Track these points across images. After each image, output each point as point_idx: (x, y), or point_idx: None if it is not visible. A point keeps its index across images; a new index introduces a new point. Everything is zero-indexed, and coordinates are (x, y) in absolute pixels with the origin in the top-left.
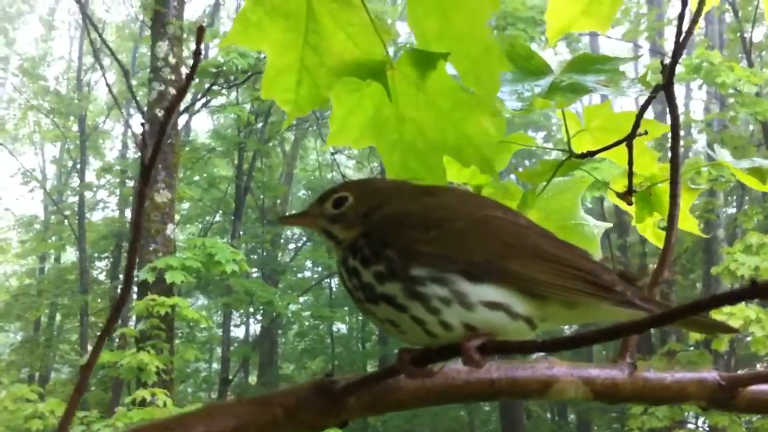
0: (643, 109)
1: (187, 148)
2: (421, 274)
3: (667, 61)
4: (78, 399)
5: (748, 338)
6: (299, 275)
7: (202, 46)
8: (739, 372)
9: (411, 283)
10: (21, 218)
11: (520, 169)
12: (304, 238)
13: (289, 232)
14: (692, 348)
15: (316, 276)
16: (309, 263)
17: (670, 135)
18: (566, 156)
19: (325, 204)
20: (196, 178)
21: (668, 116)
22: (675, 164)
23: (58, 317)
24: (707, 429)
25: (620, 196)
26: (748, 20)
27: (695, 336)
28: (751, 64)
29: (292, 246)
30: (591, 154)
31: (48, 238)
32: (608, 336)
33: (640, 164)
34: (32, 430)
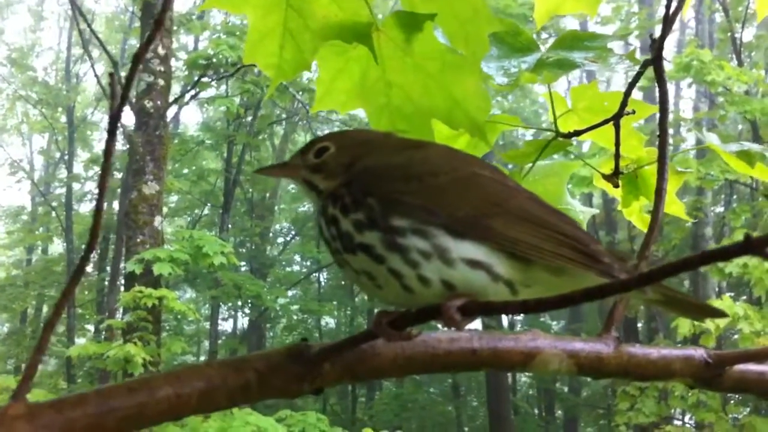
0: (632, 85)
1: (176, 141)
2: (402, 224)
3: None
4: (38, 359)
5: (735, 336)
6: (288, 269)
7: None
8: (726, 350)
9: (391, 233)
10: (8, 209)
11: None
12: (293, 232)
13: (277, 226)
14: (680, 344)
15: (304, 270)
16: (297, 257)
17: (658, 115)
18: (552, 136)
19: (307, 154)
20: (185, 170)
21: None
22: (663, 139)
23: (45, 309)
24: (694, 425)
25: (607, 178)
26: (738, 20)
27: (683, 331)
28: (741, 64)
29: (280, 240)
30: (577, 133)
31: (35, 230)
32: (595, 295)
33: (627, 146)
34: None
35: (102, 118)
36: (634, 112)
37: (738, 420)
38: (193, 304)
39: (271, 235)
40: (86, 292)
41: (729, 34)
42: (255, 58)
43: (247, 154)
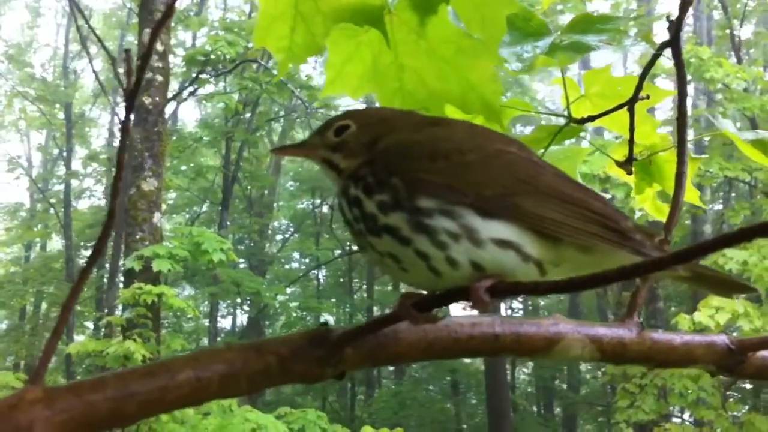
0: (647, 69)
1: (174, 137)
2: (428, 205)
3: (674, 17)
4: (55, 343)
5: (735, 333)
6: (287, 266)
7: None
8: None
9: (417, 214)
10: (6, 206)
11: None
12: (292, 229)
13: (276, 223)
14: None
15: (303, 267)
16: (296, 254)
17: (677, 97)
18: (565, 122)
19: (327, 133)
20: (183, 167)
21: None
22: (682, 122)
23: (43, 305)
24: (693, 423)
25: (620, 164)
26: (737, 17)
27: (683, 327)
28: (739, 61)
29: (279, 237)
30: (591, 119)
31: (34, 226)
32: (630, 273)
33: (640, 132)
34: None
35: (100, 114)
36: (648, 97)
37: (738, 418)
38: (192, 302)
39: (269, 232)
40: (85, 289)
41: (728, 31)
42: (265, 41)
43: (245, 150)
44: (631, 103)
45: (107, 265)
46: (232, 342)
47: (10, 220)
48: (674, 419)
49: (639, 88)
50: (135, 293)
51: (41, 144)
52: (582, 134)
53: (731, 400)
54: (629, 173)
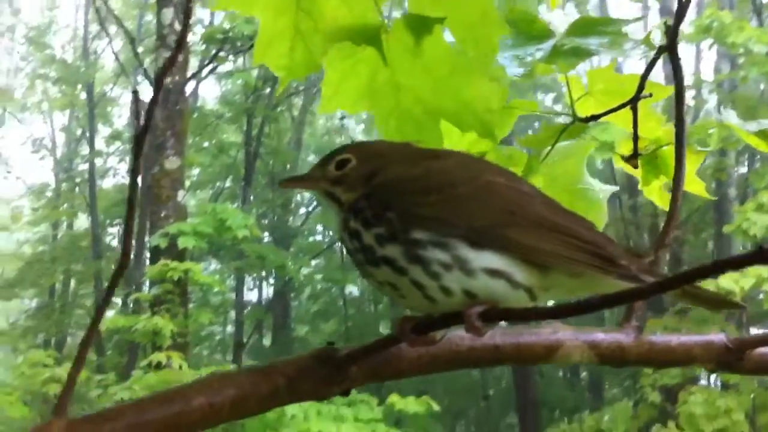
0: (648, 71)
1: (196, 115)
2: (422, 237)
3: (671, 22)
4: (76, 376)
5: (761, 296)
6: (310, 239)
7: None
8: (745, 335)
9: (412, 246)
10: (32, 186)
11: (530, 132)
12: (315, 203)
13: (299, 197)
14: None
15: (327, 240)
16: (320, 227)
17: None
18: (571, 121)
19: (328, 166)
20: (206, 144)
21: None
22: (680, 128)
23: (72, 283)
24: (720, 386)
25: (626, 159)
26: None
27: None
28: (761, 24)
29: (302, 210)
30: (595, 117)
31: (60, 206)
32: (612, 303)
33: (645, 127)
34: (50, 393)
35: (121, 93)
36: (651, 95)
37: (764, 381)
38: (218, 276)
39: (293, 205)
40: (112, 266)
41: None
42: (265, 58)
43: (266, 126)
44: (633, 102)
45: (134, 242)
46: (242, 366)
47: (36, 200)
48: (701, 382)
49: (641, 87)
50: (162, 270)
51: (64, 125)
52: (590, 130)
53: None
54: (635, 167)
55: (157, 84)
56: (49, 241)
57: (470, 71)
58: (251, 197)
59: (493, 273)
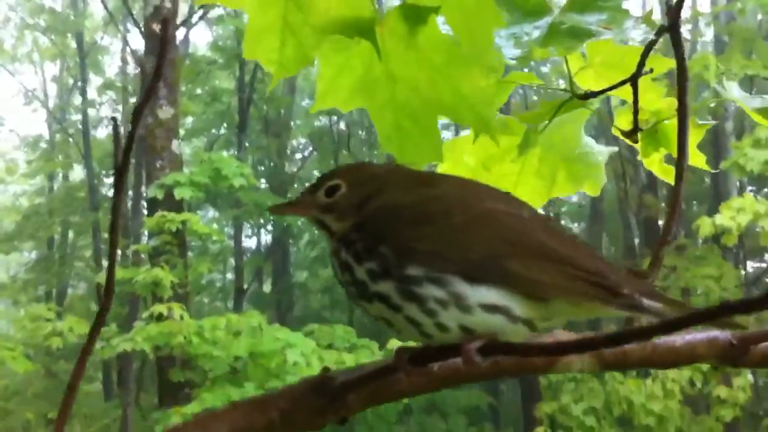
0: (648, 49)
1: (188, 62)
2: (417, 273)
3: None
4: (69, 406)
5: (758, 229)
6: (306, 185)
7: None
8: (750, 330)
9: (406, 282)
10: (26, 138)
11: (535, 98)
12: (310, 148)
13: (294, 142)
14: (702, 244)
15: None
16: (316, 173)
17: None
18: (569, 97)
19: (317, 192)
20: (198, 91)
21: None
22: (683, 112)
23: (70, 235)
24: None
25: (625, 134)
26: None
27: (704, 231)
28: None
29: (298, 156)
30: (594, 94)
31: (54, 158)
32: (616, 341)
33: (645, 99)
34: (52, 347)
35: (112, 41)
36: (651, 70)
37: (761, 316)
38: (216, 224)
39: (288, 151)
40: (110, 217)
41: None
42: (255, 53)
43: (259, 72)
44: (633, 80)
45: (130, 193)
46: (237, 401)
47: (31, 152)
48: None
49: (641, 64)
50: (159, 221)
51: (56, 75)
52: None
53: None
54: (635, 142)
55: (136, 116)
56: (45, 193)
57: (467, 61)
58: (246, 144)
59: (491, 308)
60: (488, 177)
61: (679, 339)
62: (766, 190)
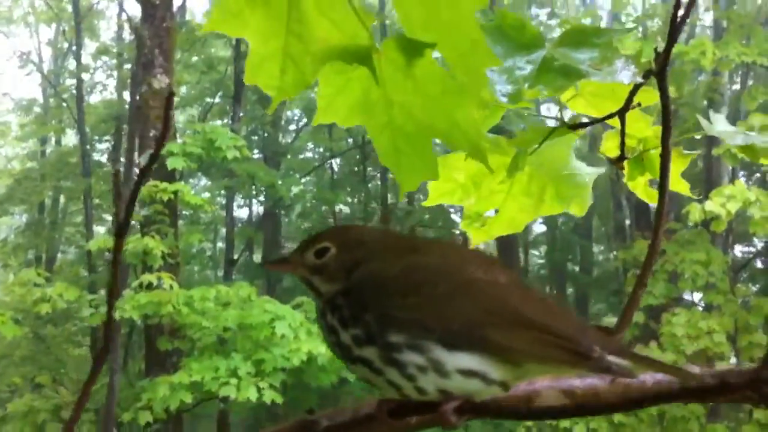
0: (634, 91)
1: (183, 29)
2: (398, 340)
3: (661, 48)
4: (78, 415)
5: (748, 214)
6: (300, 156)
7: None
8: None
9: (388, 349)
10: (19, 101)
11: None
12: (305, 120)
13: (289, 113)
14: (692, 228)
15: (317, 157)
16: (310, 144)
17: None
18: (558, 125)
19: (306, 253)
20: (194, 59)
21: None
22: (665, 163)
23: (62, 200)
24: (702, 307)
25: (612, 161)
26: None
27: (694, 217)
28: None
29: (292, 127)
30: (583, 125)
31: (48, 122)
32: (594, 413)
33: (634, 128)
34: (41, 313)
35: (108, 6)
36: (640, 105)
37: (747, 303)
38: (208, 193)
39: (283, 122)
40: (102, 183)
41: None
42: (256, 79)
43: None
44: (621, 113)
45: (122, 159)
46: None
47: (24, 115)
48: (684, 301)
49: (629, 101)
50: (151, 191)
51: (51, 39)
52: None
53: (740, 284)
54: (621, 169)
55: (139, 178)
56: (37, 158)
57: (461, 93)
58: (241, 114)
59: (468, 373)
60: (478, 193)
61: (649, 378)
62: (758, 175)
